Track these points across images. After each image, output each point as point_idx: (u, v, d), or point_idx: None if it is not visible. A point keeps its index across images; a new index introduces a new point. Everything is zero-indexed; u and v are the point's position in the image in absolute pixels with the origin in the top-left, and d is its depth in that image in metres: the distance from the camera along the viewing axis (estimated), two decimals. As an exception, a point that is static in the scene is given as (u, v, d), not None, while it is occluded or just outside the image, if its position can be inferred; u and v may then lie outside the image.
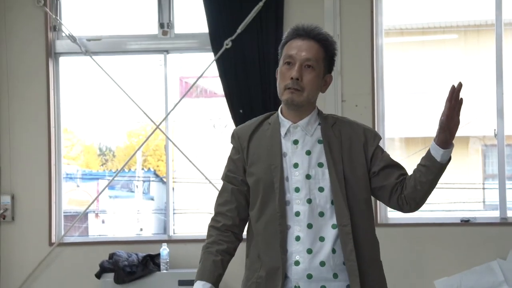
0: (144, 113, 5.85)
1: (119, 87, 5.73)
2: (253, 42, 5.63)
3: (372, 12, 5.63)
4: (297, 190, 2.69)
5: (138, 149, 6.19)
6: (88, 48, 5.82)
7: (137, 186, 10.25)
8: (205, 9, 5.67)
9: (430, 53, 6.54)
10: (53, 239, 5.77)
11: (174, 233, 6.10)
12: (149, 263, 5.61)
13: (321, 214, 2.68)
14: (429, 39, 6.90)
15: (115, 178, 6.17)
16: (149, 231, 8.48)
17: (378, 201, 5.57)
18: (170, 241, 5.80)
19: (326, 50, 2.76)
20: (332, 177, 2.68)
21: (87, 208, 6.03)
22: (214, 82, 5.94)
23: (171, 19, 5.84)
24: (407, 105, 7.14)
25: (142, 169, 10.26)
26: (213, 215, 2.84)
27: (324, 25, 5.63)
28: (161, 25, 5.84)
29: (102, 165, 10.50)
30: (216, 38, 5.66)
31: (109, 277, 5.52)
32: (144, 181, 10.15)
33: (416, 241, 5.56)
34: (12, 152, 5.76)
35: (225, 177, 2.84)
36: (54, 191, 5.81)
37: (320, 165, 2.70)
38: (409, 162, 9.22)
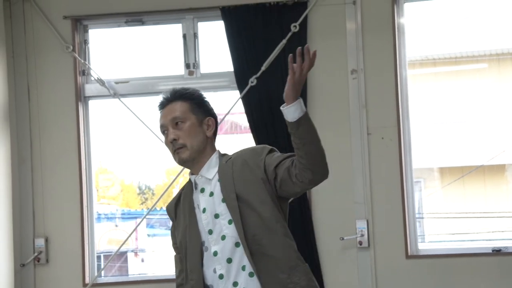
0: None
1: (148, 128, 5.82)
2: (277, 78, 5.68)
3: (394, 45, 5.64)
4: (210, 232, 2.85)
5: (169, 186, 6.25)
6: (117, 90, 5.95)
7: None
8: (229, 48, 5.75)
9: (459, 82, 6.51)
10: (87, 280, 5.85)
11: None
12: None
13: (237, 244, 2.82)
14: (458, 69, 6.87)
15: (154, 217, 6.23)
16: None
17: (408, 232, 5.53)
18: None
19: (189, 100, 3.00)
20: (229, 207, 2.84)
21: (120, 247, 6.09)
22: (244, 118, 6.00)
23: (197, 59, 5.93)
24: (438, 136, 7.09)
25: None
26: None
27: (347, 59, 5.66)
28: (187, 66, 5.93)
29: (141, 203, 10.62)
30: (241, 76, 5.74)
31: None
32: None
33: (447, 272, 5.49)
34: (45, 195, 5.87)
35: (173, 249, 3.06)
36: (87, 232, 5.90)
37: (223, 200, 2.85)
38: (445, 192, 9.15)
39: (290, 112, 2.75)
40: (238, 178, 2.87)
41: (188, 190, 2.99)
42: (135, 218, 8.98)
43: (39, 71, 5.91)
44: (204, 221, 2.87)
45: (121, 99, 5.92)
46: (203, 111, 3.03)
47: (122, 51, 6.28)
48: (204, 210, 2.89)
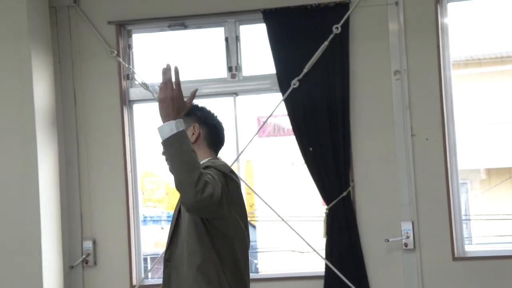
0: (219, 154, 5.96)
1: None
2: (320, 80, 5.68)
3: (438, 45, 5.60)
4: None
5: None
6: (161, 94, 6.00)
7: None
8: (271, 50, 5.77)
9: (506, 82, 6.43)
10: (134, 282, 5.91)
11: (252, 272, 6.14)
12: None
13: None
14: (504, 69, 6.77)
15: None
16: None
17: (454, 234, 5.48)
18: (250, 280, 5.83)
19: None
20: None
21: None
22: (287, 120, 6.00)
23: (239, 62, 5.96)
24: (484, 136, 7.00)
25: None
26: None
27: (390, 60, 5.63)
28: (230, 69, 5.96)
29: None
30: (283, 78, 5.75)
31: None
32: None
33: (495, 274, 5.42)
34: (92, 198, 5.96)
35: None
36: (133, 234, 5.97)
37: None
38: (492, 193, 9.03)
39: (160, 130, 2.86)
40: None
41: None
42: (181, 220, 9.01)
43: (84, 76, 6.00)
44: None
45: (165, 102, 5.97)
46: (189, 120, 3.16)
47: (165, 55, 6.34)
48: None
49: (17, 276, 5.42)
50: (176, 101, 2.87)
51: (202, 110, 3.25)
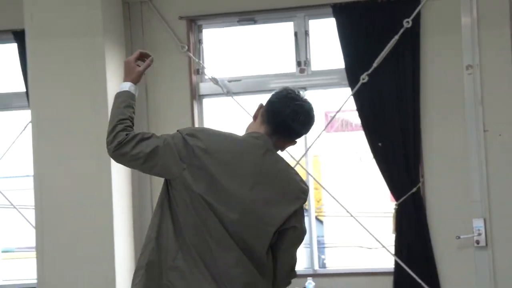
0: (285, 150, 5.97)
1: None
2: (389, 75, 5.63)
3: (512, 39, 5.48)
4: None
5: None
6: (230, 89, 6.05)
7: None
8: (340, 45, 5.74)
9: None
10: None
11: (320, 267, 6.14)
12: (295, 298, 5.67)
13: None
14: None
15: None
16: (299, 266, 8.54)
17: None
18: (315, 275, 5.85)
19: None
20: None
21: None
22: (356, 115, 5.96)
23: (308, 57, 5.95)
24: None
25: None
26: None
27: (462, 55, 5.55)
28: (298, 63, 5.96)
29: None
30: (352, 73, 5.72)
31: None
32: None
33: None
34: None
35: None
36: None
37: None
38: None
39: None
40: None
41: None
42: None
43: (156, 70, 6.06)
44: None
45: (234, 97, 6.02)
46: None
47: (235, 50, 6.37)
48: None
49: (90, 267, 5.53)
50: (127, 65, 3.19)
51: (281, 89, 3.13)
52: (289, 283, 3.00)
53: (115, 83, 5.72)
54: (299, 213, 2.96)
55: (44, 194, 5.56)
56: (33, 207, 5.66)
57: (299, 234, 2.97)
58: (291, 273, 3.00)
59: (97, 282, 5.49)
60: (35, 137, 5.60)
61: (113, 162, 5.46)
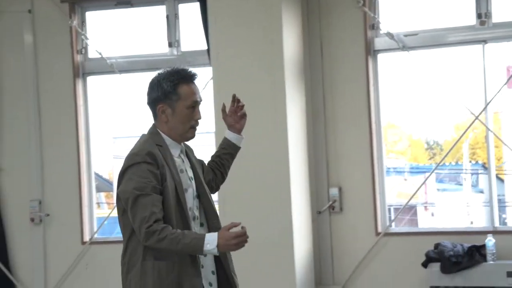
0: (464, 105, 5.84)
1: (436, 81, 5.79)
2: None
3: None
4: (197, 196, 3.35)
5: (457, 141, 6.18)
6: (406, 43, 5.96)
7: (465, 179, 10.15)
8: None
9: None
10: (379, 229, 6.01)
11: (500, 224, 5.98)
12: (475, 254, 5.57)
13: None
14: None
15: (443, 171, 6.21)
16: (479, 223, 8.35)
17: None
18: (495, 232, 5.71)
19: None
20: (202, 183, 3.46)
21: (409, 200, 6.17)
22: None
23: (489, 9, 5.74)
24: None
25: (470, 162, 10.13)
26: None
27: None
28: (479, 15, 5.76)
29: (430, 158, 10.56)
30: (537, 22, 5.46)
31: (436, 266, 5.60)
32: (472, 174, 10.02)
33: None
34: (337, 147, 6.10)
35: (150, 188, 3.21)
36: (378, 184, 6.04)
37: (195, 177, 3.43)
38: None
39: (240, 140, 3.60)
40: (196, 163, 3.46)
41: (167, 155, 3.27)
42: (424, 172, 8.97)
43: (331, 27, 6.11)
44: (191, 187, 3.31)
45: (410, 52, 5.93)
46: None
47: (411, 3, 6.26)
48: (191, 179, 3.33)
49: (268, 219, 5.72)
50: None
51: None
52: (145, 240, 3.14)
53: (291, 42, 5.82)
54: (119, 177, 3.28)
55: (224, 150, 5.78)
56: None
57: (120, 198, 3.24)
58: (140, 234, 3.15)
59: (275, 231, 5.68)
60: (216, 93, 5.82)
61: (289, 121, 5.66)
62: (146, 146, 3.24)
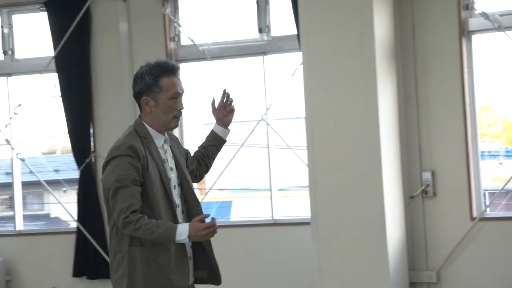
0: None
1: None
2: None
3: None
4: (178, 185, 3.58)
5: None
6: (501, 23, 5.81)
7: None
8: None
9: None
10: (474, 214, 5.89)
11: None
12: None
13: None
14: None
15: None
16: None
17: None
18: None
19: None
20: (185, 173, 3.68)
21: (505, 185, 6.00)
22: None
23: None
24: None
25: None
26: None
27: None
28: None
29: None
30: None
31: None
32: None
33: None
34: (431, 130, 6.01)
35: (131, 181, 3.44)
36: (472, 168, 5.92)
37: (178, 166, 3.64)
38: None
39: (226, 134, 3.79)
40: (180, 153, 3.66)
41: (151, 145, 3.48)
42: (521, 156, 8.70)
43: (423, 9, 6.01)
44: (173, 176, 3.53)
45: (506, 32, 5.77)
46: None
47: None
48: (172, 169, 3.54)
49: (360, 205, 5.69)
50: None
51: None
52: (123, 229, 3.38)
53: (382, 25, 5.75)
54: (103, 168, 3.50)
55: (315, 134, 5.78)
56: (306, 147, 5.91)
57: (104, 186, 3.46)
58: (119, 224, 3.38)
59: (367, 216, 5.64)
60: (306, 79, 5.81)
61: (380, 105, 5.61)
62: (128, 140, 3.46)
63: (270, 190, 6.66)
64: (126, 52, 6.80)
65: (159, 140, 3.53)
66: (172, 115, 3.51)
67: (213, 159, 3.84)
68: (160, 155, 3.51)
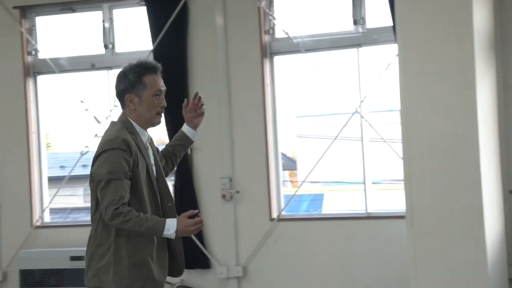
0: None
1: None
2: None
3: None
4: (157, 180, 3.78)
5: None
6: None
7: None
8: None
9: None
10: None
11: None
12: None
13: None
14: None
15: None
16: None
17: None
18: None
19: None
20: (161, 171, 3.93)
21: None
22: None
23: None
24: None
25: None
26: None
27: None
28: None
29: None
30: None
31: None
32: None
33: None
34: None
35: (122, 174, 3.58)
36: None
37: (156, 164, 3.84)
38: None
39: (195, 135, 4.03)
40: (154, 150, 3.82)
41: (139, 140, 3.62)
42: None
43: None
44: (154, 172, 3.69)
45: None
46: None
47: None
48: (153, 165, 3.70)
49: (457, 199, 5.56)
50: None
51: None
52: (110, 220, 3.50)
53: (481, 14, 5.61)
54: (94, 160, 3.61)
55: (411, 127, 5.70)
56: (401, 140, 5.83)
57: (93, 180, 3.57)
58: (106, 214, 3.49)
59: (464, 210, 5.52)
60: (401, 71, 5.73)
61: (478, 96, 5.47)
62: (121, 134, 3.58)
63: (364, 183, 6.62)
64: (222, 45, 6.88)
65: (144, 136, 3.70)
66: (155, 111, 3.68)
67: (180, 157, 4.01)
68: (147, 151, 3.68)
